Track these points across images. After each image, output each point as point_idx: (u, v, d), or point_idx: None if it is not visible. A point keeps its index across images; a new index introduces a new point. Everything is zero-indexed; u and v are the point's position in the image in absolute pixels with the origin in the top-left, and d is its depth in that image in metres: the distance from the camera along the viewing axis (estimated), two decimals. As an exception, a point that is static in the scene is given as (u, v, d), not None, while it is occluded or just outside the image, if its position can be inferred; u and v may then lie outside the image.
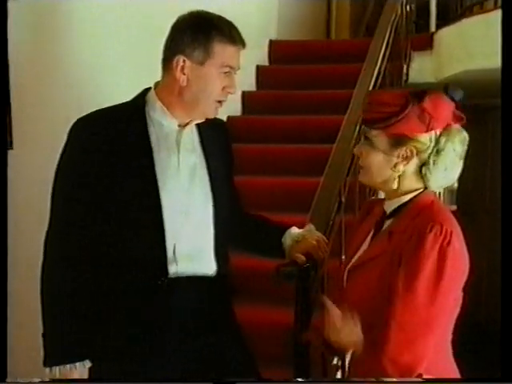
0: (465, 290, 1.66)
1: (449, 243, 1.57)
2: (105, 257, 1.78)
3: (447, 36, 4.77)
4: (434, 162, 1.65)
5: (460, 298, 1.67)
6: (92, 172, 1.75)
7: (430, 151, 1.65)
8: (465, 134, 1.69)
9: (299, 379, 2.09)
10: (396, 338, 1.56)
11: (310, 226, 2.08)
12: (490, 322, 6.20)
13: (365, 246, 1.76)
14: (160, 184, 1.78)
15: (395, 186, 1.69)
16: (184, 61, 1.78)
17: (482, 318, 6.51)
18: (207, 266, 1.85)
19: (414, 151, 1.66)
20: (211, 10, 1.84)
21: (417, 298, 1.56)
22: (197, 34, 1.78)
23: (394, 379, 1.56)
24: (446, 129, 1.65)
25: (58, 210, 1.79)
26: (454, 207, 5.33)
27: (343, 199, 2.63)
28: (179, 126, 1.85)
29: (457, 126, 1.68)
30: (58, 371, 1.71)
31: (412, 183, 1.70)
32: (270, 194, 3.82)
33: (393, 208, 1.72)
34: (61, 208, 1.79)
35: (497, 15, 3.94)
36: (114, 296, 1.79)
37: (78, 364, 1.72)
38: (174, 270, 1.79)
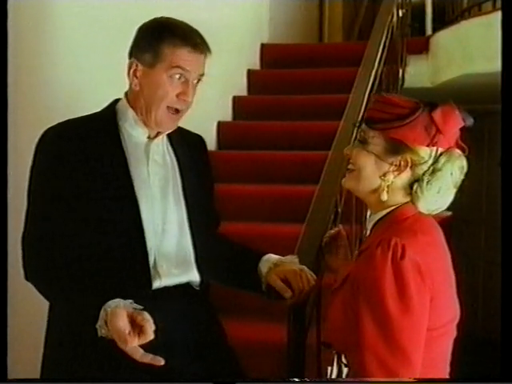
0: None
1: (402, 257, 1.41)
2: (86, 272, 1.67)
3: (445, 39, 4.67)
4: (428, 182, 1.51)
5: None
6: (67, 186, 1.67)
7: (426, 168, 1.51)
8: (464, 163, 1.55)
9: (295, 379, 1.94)
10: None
11: (293, 257, 1.91)
12: (486, 330, 6.14)
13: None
14: (138, 196, 1.71)
15: (384, 197, 1.54)
16: (136, 64, 1.73)
17: (479, 326, 6.46)
18: (191, 276, 1.79)
19: (409, 163, 1.51)
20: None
21: (390, 328, 1.41)
22: (148, 36, 1.73)
23: (394, 379, 1.41)
24: (448, 150, 1.52)
25: (35, 227, 1.69)
26: (449, 213, 5.25)
27: (340, 210, 2.49)
28: (148, 137, 1.79)
29: (458, 151, 1.54)
30: None
31: (398, 198, 1.55)
32: (260, 203, 3.70)
33: (373, 223, 1.58)
34: (38, 225, 1.69)
35: (496, 17, 3.87)
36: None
37: None
38: (157, 284, 1.72)
